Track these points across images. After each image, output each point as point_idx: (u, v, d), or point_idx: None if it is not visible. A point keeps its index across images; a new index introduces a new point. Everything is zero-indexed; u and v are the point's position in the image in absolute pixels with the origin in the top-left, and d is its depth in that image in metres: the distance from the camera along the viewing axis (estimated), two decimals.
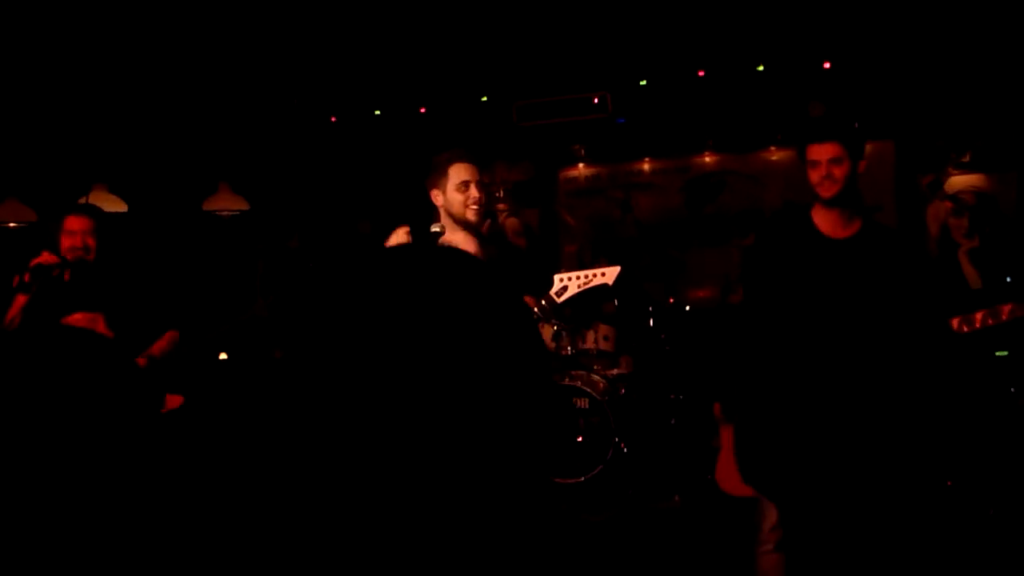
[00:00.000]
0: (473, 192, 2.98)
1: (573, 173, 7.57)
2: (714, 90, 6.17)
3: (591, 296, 2.99)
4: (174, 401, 4.14)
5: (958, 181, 6.31)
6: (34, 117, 6.39)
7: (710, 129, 6.72)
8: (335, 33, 5.90)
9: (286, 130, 6.95)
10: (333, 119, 6.85)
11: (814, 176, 2.92)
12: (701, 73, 5.91)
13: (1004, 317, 2.69)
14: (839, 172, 2.89)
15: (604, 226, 7.47)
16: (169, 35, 5.77)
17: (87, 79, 6.13)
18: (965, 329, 2.80)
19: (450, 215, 3.02)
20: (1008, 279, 2.64)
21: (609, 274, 2.84)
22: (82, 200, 6.30)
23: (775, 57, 5.79)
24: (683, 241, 7.20)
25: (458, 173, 2.98)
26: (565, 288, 2.87)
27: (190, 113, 6.62)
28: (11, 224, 6.78)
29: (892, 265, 2.99)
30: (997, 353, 5.12)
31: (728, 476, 4.05)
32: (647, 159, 7.30)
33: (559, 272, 2.93)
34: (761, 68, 5.85)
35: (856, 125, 6.20)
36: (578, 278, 2.84)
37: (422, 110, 6.73)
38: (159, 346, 3.70)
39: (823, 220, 3.04)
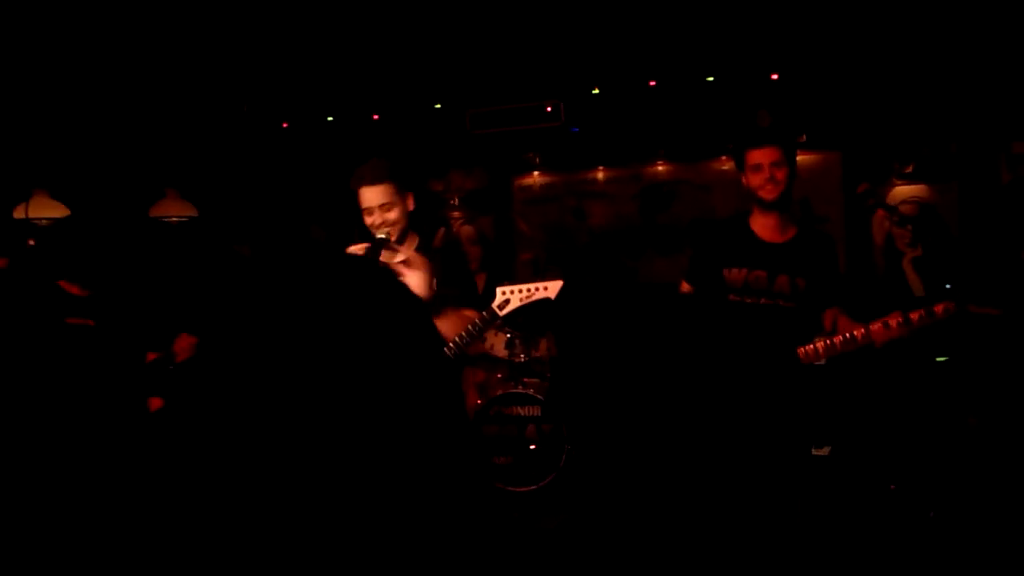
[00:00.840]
0: (376, 219, 2.97)
1: (528, 181, 7.58)
2: (666, 100, 6.24)
3: (542, 305, 3.01)
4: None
5: (901, 191, 6.45)
6: None
7: (662, 139, 6.78)
8: (288, 37, 5.83)
9: (237, 135, 6.84)
10: (285, 124, 6.76)
11: (756, 180, 2.98)
12: (653, 83, 5.96)
13: (939, 315, 2.75)
14: (781, 175, 2.95)
15: (559, 234, 7.49)
16: (115, 36, 5.64)
17: (27, 81, 5.97)
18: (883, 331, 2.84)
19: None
20: (947, 286, 2.71)
21: (552, 288, 2.84)
22: (21, 207, 6.13)
23: (725, 68, 5.87)
24: (636, 250, 7.25)
25: (362, 198, 2.98)
26: (508, 301, 2.86)
27: (137, 116, 6.48)
28: None
29: (822, 268, 3.06)
30: (937, 359, 5.25)
31: None
32: (600, 168, 7.34)
33: (503, 284, 2.91)
34: (711, 79, 5.92)
35: (804, 137, 6.35)
36: (521, 291, 2.84)
37: (375, 117, 6.68)
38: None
39: (761, 225, 3.09)
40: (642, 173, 7.22)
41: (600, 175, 7.38)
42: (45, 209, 6.29)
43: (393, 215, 3.00)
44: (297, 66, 6.31)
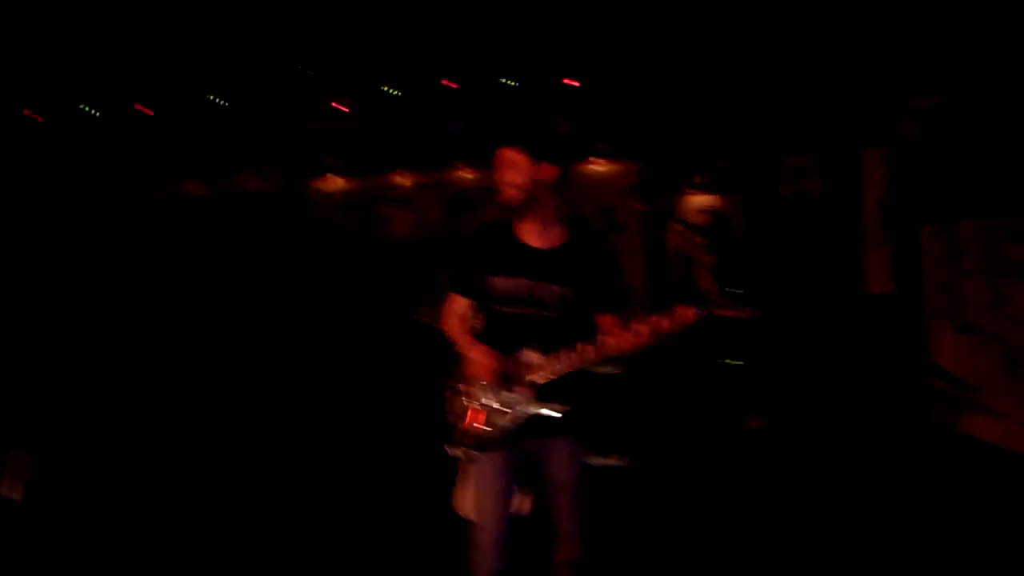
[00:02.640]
0: None
1: (327, 185, 7.15)
2: (466, 103, 6.04)
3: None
4: None
5: (695, 201, 6.65)
6: None
7: (466, 143, 6.58)
8: (35, 27, 5.09)
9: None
10: (40, 119, 5.92)
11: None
12: (446, 82, 5.74)
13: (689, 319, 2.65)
14: (514, 178, 2.78)
15: (362, 241, 7.11)
16: None
17: None
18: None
19: None
20: (732, 290, 2.69)
21: None
22: None
23: (527, 73, 5.76)
24: (442, 257, 7.01)
25: None
26: None
27: None
28: None
29: (592, 275, 2.91)
30: (728, 361, 5.38)
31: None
32: (404, 172, 7.06)
33: None
34: (511, 83, 5.79)
35: (604, 146, 6.32)
36: None
37: (149, 112, 5.99)
38: None
39: (526, 231, 2.90)
40: (447, 179, 7.00)
41: (403, 180, 7.09)
42: None
43: None
44: (55, 56, 5.54)
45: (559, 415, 2.81)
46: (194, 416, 5.52)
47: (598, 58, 5.66)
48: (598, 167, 6.67)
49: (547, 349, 2.77)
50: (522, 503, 3.81)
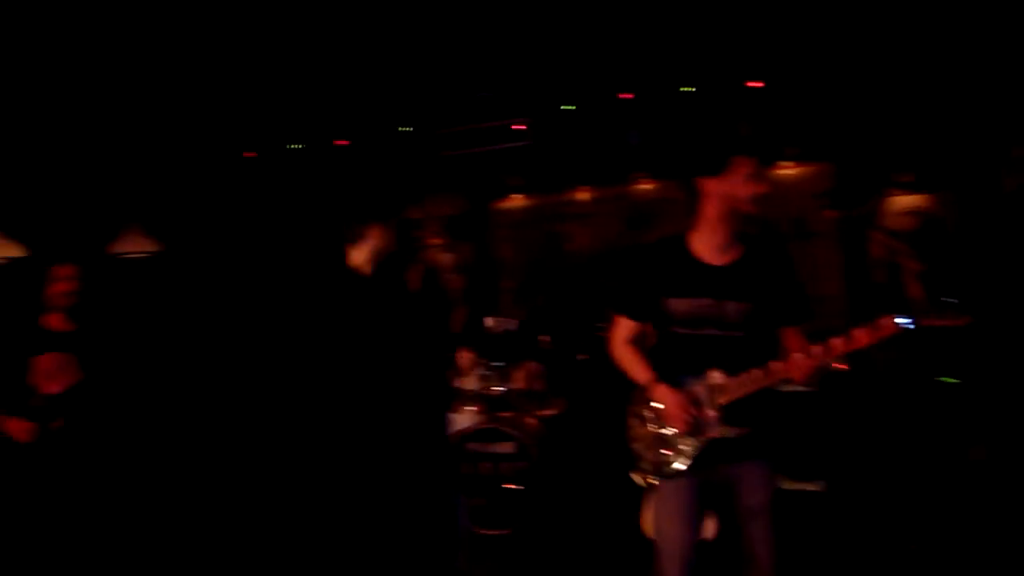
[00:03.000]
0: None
1: (507, 205, 7.29)
2: (642, 114, 5.93)
3: (520, 333, 3.01)
4: None
5: (899, 202, 6.10)
6: None
7: (643, 155, 6.44)
8: (249, 65, 5.61)
9: (199, 167, 6.61)
10: (249, 155, 6.52)
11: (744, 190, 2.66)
12: (624, 96, 5.66)
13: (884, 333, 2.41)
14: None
15: (541, 259, 7.17)
16: (72, 66, 5.43)
17: None
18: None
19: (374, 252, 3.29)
20: (945, 299, 2.40)
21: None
22: None
23: (703, 77, 5.56)
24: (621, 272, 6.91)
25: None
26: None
27: (97, 152, 6.26)
28: None
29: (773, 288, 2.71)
30: (944, 379, 4.85)
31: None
32: (583, 188, 7.04)
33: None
34: (690, 89, 5.61)
35: (795, 149, 5.95)
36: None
37: (344, 143, 6.41)
38: None
39: (705, 246, 2.74)
40: (627, 192, 6.90)
41: (583, 196, 7.07)
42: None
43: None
44: (259, 94, 6.08)
45: (749, 438, 2.65)
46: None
47: (782, 53, 5.33)
48: (788, 171, 6.30)
49: (732, 369, 2.63)
50: (707, 526, 3.62)
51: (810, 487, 3.93)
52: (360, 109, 6.25)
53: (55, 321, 3.86)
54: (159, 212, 6.61)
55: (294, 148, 6.51)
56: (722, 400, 2.63)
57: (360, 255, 3.23)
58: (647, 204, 6.84)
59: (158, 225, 6.43)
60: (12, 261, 6.00)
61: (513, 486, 4.98)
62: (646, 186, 6.83)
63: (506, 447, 5.05)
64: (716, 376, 2.65)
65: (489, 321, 5.85)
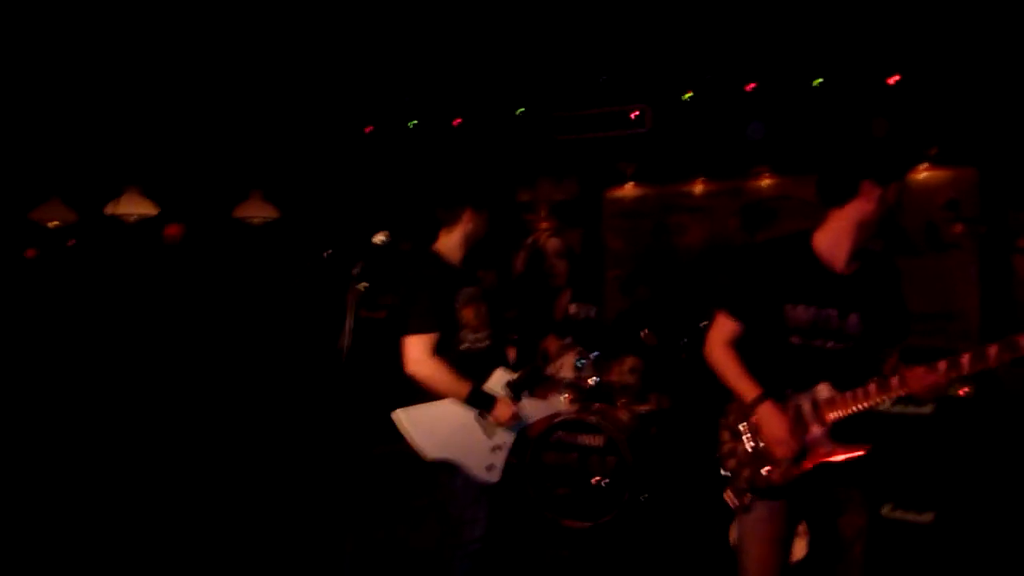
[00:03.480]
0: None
1: (620, 193, 7.12)
2: (769, 106, 5.62)
3: (622, 325, 2.94)
4: None
5: None
6: (74, 119, 6.45)
7: (766, 149, 6.11)
8: (371, 43, 5.70)
9: (320, 139, 6.79)
10: (368, 129, 6.64)
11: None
12: (749, 87, 5.38)
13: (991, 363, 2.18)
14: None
15: (650, 250, 6.97)
16: (210, 43, 5.69)
17: (124, 83, 6.13)
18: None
19: (465, 236, 3.14)
20: None
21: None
22: (111, 203, 6.31)
23: (836, 70, 5.20)
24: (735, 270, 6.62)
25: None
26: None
27: (225, 119, 6.54)
28: (51, 224, 6.87)
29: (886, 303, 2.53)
30: None
31: None
32: (700, 180, 6.78)
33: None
34: (819, 81, 5.27)
35: (934, 149, 5.50)
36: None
37: (456, 122, 6.43)
38: None
39: (831, 252, 2.55)
40: (744, 187, 6.60)
41: (698, 188, 6.82)
42: (136, 206, 6.47)
43: None
44: (381, 71, 6.18)
45: (853, 460, 2.45)
46: None
47: (923, 42, 4.89)
48: (923, 174, 5.83)
49: (842, 385, 2.44)
50: (796, 547, 3.41)
51: (917, 518, 3.63)
52: (479, 89, 6.24)
53: None
54: (280, 180, 6.86)
55: (412, 125, 6.58)
56: (830, 416, 2.44)
57: (451, 240, 3.15)
58: (765, 200, 6.52)
59: (278, 192, 6.67)
60: (143, 218, 6.38)
61: (598, 480, 4.88)
62: (766, 181, 6.51)
63: (595, 440, 4.96)
64: (825, 390, 2.47)
65: (571, 307, 5.75)
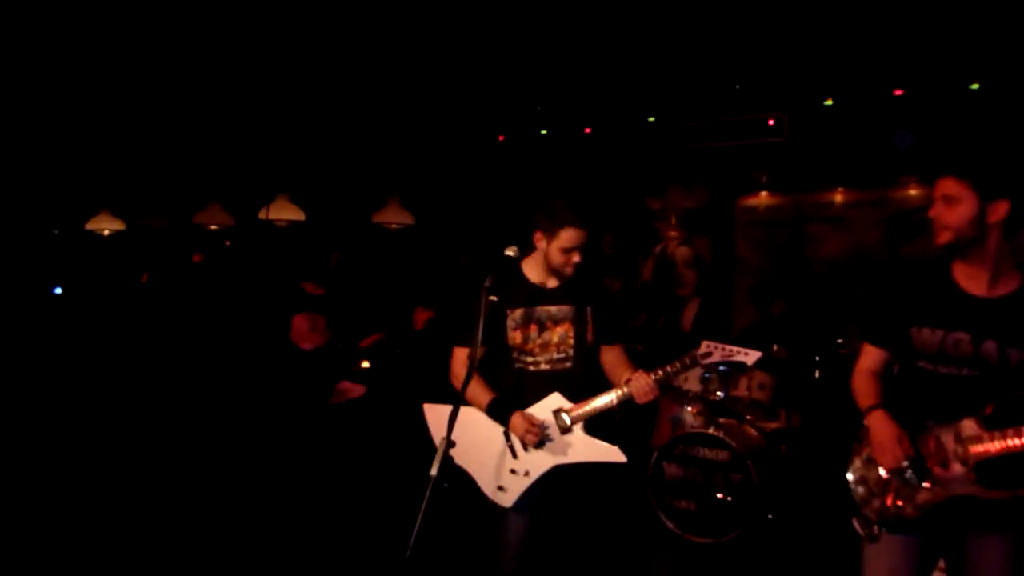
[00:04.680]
0: (575, 258, 2.94)
1: (753, 202, 6.94)
2: (917, 111, 5.32)
3: (756, 338, 2.92)
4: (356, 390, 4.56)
5: None
6: (232, 132, 6.99)
7: (914, 157, 5.78)
8: (504, 53, 5.85)
9: (455, 148, 7.02)
10: (501, 138, 6.81)
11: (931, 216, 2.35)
12: (898, 92, 5.11)
13: None
14: (950, 216, 2.28)
15: (784, 262, 6.75)
16: (352, 56, 6.01)
17: (277, 98, 6.58)
18: None
19: (546, 260, 2.99)
20: None
21: (751, 356, 2.80)
22: (265, 209, 6.78)
23: (993, 73, 4.86)
24: (875, 284, 6.30)
25: (569, 238, 2.91)
26: (709, 354, 2.83)
27: (365, 129, 6.88)
28: (212, 227, 7.47)
29: None
30: None
31: None
32: (840, 189, 6.51)
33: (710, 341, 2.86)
34: (976, 86, 4.95)
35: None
36: (723, 350, 2.81)
37: (587, 131, 6.48)
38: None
39: (965, 274, 2.40)
40: (888, 197, 6.28)
41: (838, 198, 6.54)
42: (285, 211, 6.93)
43: (582, 259, 2.99)
44: (513, 80, 6.32)
45: (1003, 504, 2.30)
46: None
47: None
48: None
49: (992, 421, 2.27)
50: None
51: None
52: (610, 98, 6.26)
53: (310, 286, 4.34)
54: (417, 187, 7.13)
55: (543, 134, 6.69)
56: (974, 454, 2.29)
57: (534, 259, 3.03)
58: (909, 212, 6.17)
59: (415, 199, 6.95)
60: (292, 224, 6.82)
61: (723, 496, 4.80)
62: (914, 191, 6.16)
63: (720, 455, 4.88)
64: (970, 426, 2.31)
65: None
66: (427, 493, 2.53)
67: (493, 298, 2.77)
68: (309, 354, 4.28)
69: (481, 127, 6.84)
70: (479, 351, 2.90)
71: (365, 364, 5.96)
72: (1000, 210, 2.26)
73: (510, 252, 2.90)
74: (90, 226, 8.21)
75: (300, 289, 4.35)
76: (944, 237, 2.31)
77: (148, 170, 7.82)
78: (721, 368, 5.18)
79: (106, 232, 8.28)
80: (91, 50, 5.57)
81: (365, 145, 7.03)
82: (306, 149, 6.97)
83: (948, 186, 2.28)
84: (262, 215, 6.74)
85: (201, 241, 7.26)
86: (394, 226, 6.95)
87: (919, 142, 5.55)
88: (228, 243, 7.53)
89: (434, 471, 2.56)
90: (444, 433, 2.68)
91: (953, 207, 2.27)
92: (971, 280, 2.36)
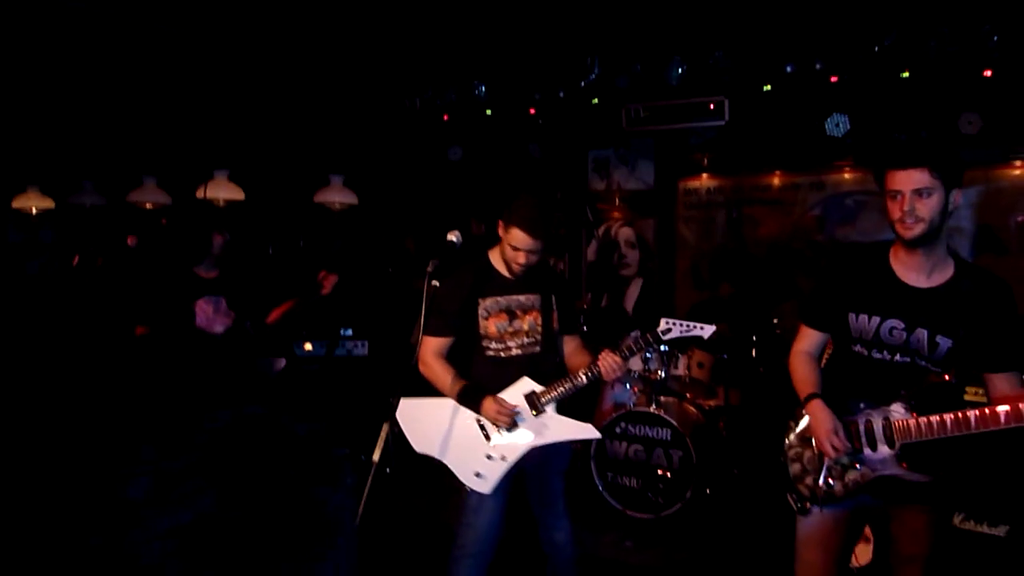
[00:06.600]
0: (520, 258, 3.01)
1: (694, 184, 7.05)
2: (851, 97, 5.46)
3: (702, 317, 2.98)
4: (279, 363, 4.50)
5: None
6: (168, 106, 6.78)
7: (849, 142, 5.94)
8: (446, 33, 5.79)
9: (399, 127, 6.94)
10: (445, 117, 6.75)
11: (894, 211, 2.36)
12: (834, 79, 5.24)
13: None
14: (924, 209, 2.32)
15: (722, 243, 6.89)
16: (294, 34, 5.88)
17: (215, 73, 6.40)
18: None
19: (501, 250, 3.11)
20: None
21: (707, 330, 2.89)
22: (202, 187, 6.60)
23: (926, 62, 5.01)
24: (811, 267, 6.49)
25: (517, 237, 2.98)
26: (669, 330, 2.90)
27: (308, 107, 6.75)
28: (148, 205, 7.24)
29: (980, 325, 2.36)
30: None
31: None
32: (777, 172, 6.65)
33: (665, 316, 2.93)
34: (907, 74, 5.10)
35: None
36: (681, 325, 2.90)
37: (531, 111, 6.48)
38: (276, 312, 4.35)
39: (903, 263, 2.48)
40: (824, 180, 6.45)
41: (776, 181, 6.69)
42: (224, 191, 6.75)
43: (530, 261, 3.04)
44: (457, 59, 6.27)
45: (926, 483, 2.41)
46: None
47: (1019, 35, 4.67)
48: (1019, 172, 5.59)
49: (920, 407, 2.38)
50: (861, 553, 3.38)
51: (992, 531, 3.54)
52: (555, 79, 6.26)
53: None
54: (361, 167, 7.04)
55: (488, 114, 6.66)
56: (900, 439, 2.40)
57: (498, 257, 3.13)
58: (843, 196, 6.35)
59: (359, 180, 6.85)
60: (232, 204, 6.65)
61: (663, 472, 4.91)
62: (847, 175, 6.34)
63: (662, 432, 4.98)
64: (898, 410, 2.43)
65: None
66: (369, 478, 2.53)
67: (435, 283, 2.77)
68: (222, 337, 4.20)
69: (427, 106, 6.78)
70: (446, 340, 3.02)
71: (308, 346, 5.90)
72: (957, 199, 2.33)
73: (452, 237, 2.90)
74: (17, 204, 7.88)
75: (193, 274, 4.26)
76: (918, 229, 2.31)
77: (80, 144, 7.53)
78: (663, 348, 5.33)
79: (34, 211, 7.96)
80: (18, 17, 5.33)
81: (307, 122, 6.90)
82: (247, 124, 6.81)
83: (921, 178, 2.28)
84: (199, 194, 6.55)
85: (136, 220, 7.03)
86: (337, 206, 6.84)
87: (853, 128, 5.71)
88: (164, 221, 7.31)
89: (376, 457, 2.56)
90: (414, 430, 2.79)
91: (927, 199, 2.29)
92: (908, 269, 2.44)
